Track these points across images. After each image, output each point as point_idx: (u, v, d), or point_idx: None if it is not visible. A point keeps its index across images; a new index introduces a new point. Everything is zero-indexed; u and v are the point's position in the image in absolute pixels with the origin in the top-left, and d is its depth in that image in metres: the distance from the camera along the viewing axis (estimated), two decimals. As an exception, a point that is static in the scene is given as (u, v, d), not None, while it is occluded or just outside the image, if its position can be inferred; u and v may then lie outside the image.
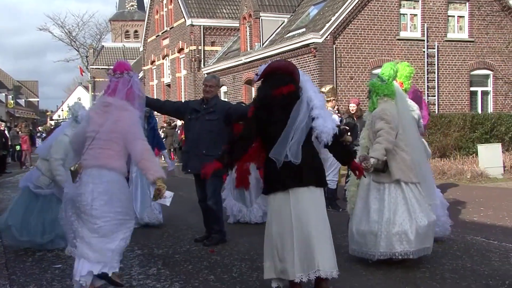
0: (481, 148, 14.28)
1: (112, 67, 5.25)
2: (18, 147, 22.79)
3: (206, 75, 28.24)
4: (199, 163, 5.94)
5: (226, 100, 26.32)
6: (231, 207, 8.40)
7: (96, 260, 4.59)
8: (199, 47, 29.02)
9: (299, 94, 4.65)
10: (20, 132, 23.61)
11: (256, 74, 4.80)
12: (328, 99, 8.84)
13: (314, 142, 4.73)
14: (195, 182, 7.10)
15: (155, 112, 8.33)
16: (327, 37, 19.21)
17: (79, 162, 4.99)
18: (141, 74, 36.91)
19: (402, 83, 6.34)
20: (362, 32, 19.78)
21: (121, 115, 4.84)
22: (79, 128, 5.35)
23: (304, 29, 20.99)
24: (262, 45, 23.83)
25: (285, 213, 4.52)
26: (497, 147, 14.51)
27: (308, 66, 19.72)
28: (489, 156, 14.12)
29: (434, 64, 20.50)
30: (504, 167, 14.46)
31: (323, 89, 8.93)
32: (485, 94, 21.70)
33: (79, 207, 4.66)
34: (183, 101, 7.08)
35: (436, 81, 20.63)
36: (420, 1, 20.49)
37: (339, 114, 9.79)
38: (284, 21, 24.40)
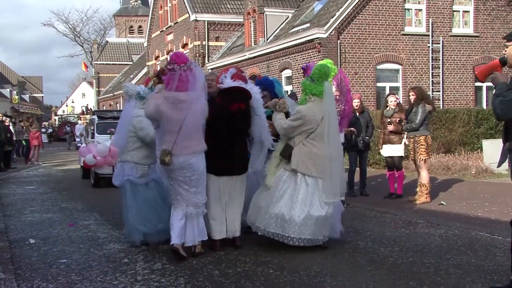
0: (486, 144, 14.24)
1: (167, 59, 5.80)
2: (24, 142, 22.82)
3: (210, 70, 28.25)
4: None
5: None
6: None
7: None
8: (203, 43, 29.01)
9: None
10: (24, 127, 23.66)
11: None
12: None
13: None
14: None
15: None
16: (331, 32, 19.17)
17: (170, 153, 5.64)
18: (145, 70, 36.98)
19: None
20: (367, 27, 19.73)
21: (198, 107, 5.68)
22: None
23: (308, 24, 20.95)
24: (267, 40, 23.79)
25: None
26: (501, 143, 14.43)
27: (312, 61, 19.66)
28: (494, 151, 14.03)
29: (439, 59, 20.44)
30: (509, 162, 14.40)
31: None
32: (490, 89, 21.59)
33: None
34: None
35: (441, 76, 20.58)
36: (425, -4, 20.44)
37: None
38: (288, 16, 24.36)
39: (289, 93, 13.55)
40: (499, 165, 4.77)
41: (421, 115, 9.28)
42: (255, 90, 6.43)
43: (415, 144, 9.46)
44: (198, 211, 5.93)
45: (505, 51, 4.52)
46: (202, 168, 5.88)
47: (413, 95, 9.62)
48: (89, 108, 55.60)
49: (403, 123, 9.74)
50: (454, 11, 21.01)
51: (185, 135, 5.64)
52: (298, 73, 20.53)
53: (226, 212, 6.35)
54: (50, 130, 46.07)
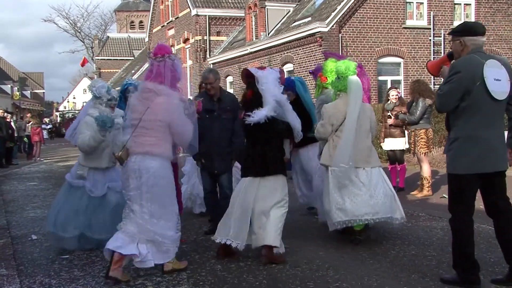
0: (488, 137, 14.21)
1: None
2: (26, 139, 22.85)
3: (212, 65, 28.22)
4: (222, 163, 6.73)
5: (231, 91, 26.32)
6: None
7: None
8: (205, 37, 28.96)
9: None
10: (27, 124, 23.66)
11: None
12: None
13: None
14: (203, 176, 7.00)
15: None
16: (333, 26, 19.14)
17: (126, 148, 5.13)
18: (146, 65, 36.88)
19: (326, 78, 7.12)
20: (368, 21, 19.68)
21: (162, 101, 5.02)
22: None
23: (309, 18, 20.91)
24: (268, 34, 23.76)
25: None
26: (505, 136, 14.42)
27: (314, 55, 19.65)
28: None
29: (441, 53, 20.38)
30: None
31: None
32: (492, 82, 21.60)
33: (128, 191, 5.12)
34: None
35: (442, 69, 20.52)
36: (426, -11, 20.38)
37: None
38: (289, 10, 24.31)
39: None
40: (446, 152, 4.92)
41: (420, 109, 9.28)
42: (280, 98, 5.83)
43: (415, 138, 9.46)
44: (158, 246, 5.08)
45: (451, 46, 4.72)
46: (159, 176, 5.02)
47: (412, 89, 9.67)
48: None
49: (400, 116, 9.74)
50: (455, 4, 20.96)
51: (143, 128, 5.03)
52: (300, 67, 20.51)
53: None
54: (49, 126, 46.03)
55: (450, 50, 4.81)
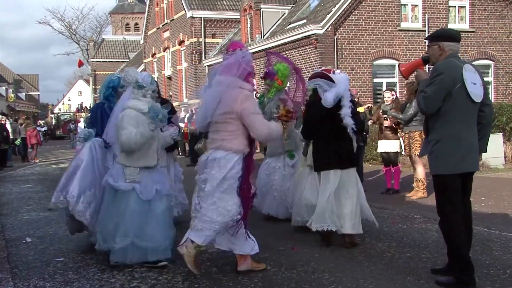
0: (482, 139, 14.24)
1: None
2: (18, 141, 22.78)
3: (207, 67, 28.21)
4: None
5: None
6: None
7: None
8: (200, 39, 28.95)
9: None
10: (21, 126, 23.60)
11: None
12: None
13: None
14: None
15: None
16: (328, 28, 19.17)
17: (205, 141, 5.25)
18: (142, 67, 36.88)
19: (282, 82, 7.42)
20: (363, 23, 19.72)
21: (233, 92, 4.94)
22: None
23: (305, 21, 20.93)
24: (263, 37, 23.76)
25: None
26: (498, 138, 14.47)
27: (309, 57, 19.67)
28: (490, 146, 13.91)
29: (435, 55, 20.43)
30: (505, 157, 14.45)
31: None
32: (486, 84, 21.63)
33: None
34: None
35: (437, 71, 20.58)
36: (421, -9, 20.43)
37: None
38: (285, 13, 24.33)
39: None
40: (421, 155, 5.32)
41: (413, 109, 9.29)
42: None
43: (410, 140, 9.47)
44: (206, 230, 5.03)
45: (428, 51, 4.88)
46: (227, 169, 4.98)
47: (406, 91, 9.70)
48: (83, 106, 55.46)
49: (389, 112, 9.78)
50: (450, 6, 21.03)
51: (216, 123, 5.04)
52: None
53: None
54: (44, 128, 45.88)
55: (426, 54, 4.97)
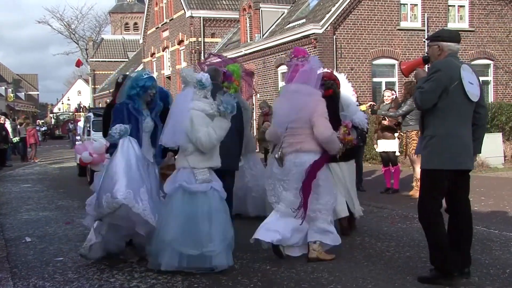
0: (482, 138, 14.25)
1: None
2: (15, 140, 22.77)
3: (206, 67, 28.13)
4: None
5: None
6: None
7: None
8: (199, 39, 28.94)
9: None
10: (19, 126, 23.60)
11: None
12: None
13: None
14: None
15: None
16: (327, 27, 19.15)
17: (282, 149, 5.62)
18: (141, 67, 36.89)
19: (238, 82, 7.46)
20: (363, 23, 19.71)
21: (306, 99, 5.49)
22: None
23: (304, 20, 20.93)
24: (262, 36, 23.76)
25: None
26: (497, 137, 14.49)
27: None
28: (490, 145, 14.07)
29: (435, 54, 20.42)
30: (505, 156, 14.46)
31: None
32: (485, 83, 21.62)
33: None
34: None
35: (436, 71, 20.57)
36: (420, -9, 20.43)
37: None
38: (284, 12, 24.32)
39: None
40: (417, 152, 5.58)
41: (407, 107, 9.30)
42: None
43: (407, 139, 9.47)
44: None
45: (428, 51, 5.01)
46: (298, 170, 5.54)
47: (403, 90, 9.72)
48: (81, 106, 55.40)
49: (375, 107, 9.89)
50: (449, 5, 21.02)
51: (292, 128, 5.60)
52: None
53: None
54: (44, 128, 45.84)
55: (426, 54, 5.09)
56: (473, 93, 4.71)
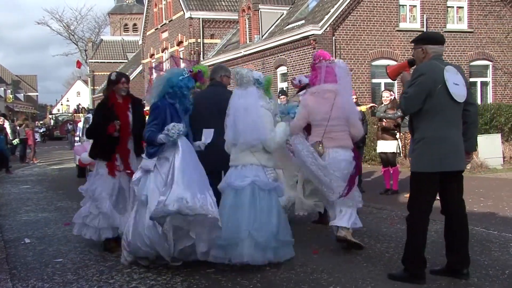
0: (481, 139, 14.25)
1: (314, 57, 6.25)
2: (15, 142, 22.77)
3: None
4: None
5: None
6: None
7: None
8: (198, 40, 28.95)
9: None
10: (19, 127, 23.59)
11: None
12: None
13: None
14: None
15: None
16: (326, 29, 19.17)
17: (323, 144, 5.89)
18: (140, 68, 36.90)
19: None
20: (362, 24, 19.73)
21: (342, 99, 5.92)
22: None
23: (303, 21, 20.94)
24: (262, 37, 23.77)
25: None
26: (496, 138, 14.50)
27: (307, 58, 19.67)
28: (489, 146, 14.12)
29: (434, 55, 20.43)
30: (504, 157, 14.47)
31: None
32: (484, 84, 21.68)
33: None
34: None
35: (435, 72, 20.59)
36: (419, -8, 20.45)
37: None
38: (283, 13, 24.34)
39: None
40: (409, 155, 5.65)
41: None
42: None
43: (405, 140, 9.50)
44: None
45: (413, 53, 5.02)
46: (352, 164, 6.00)
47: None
48: (81, 107, 55.30)
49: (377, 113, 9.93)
50: (448, 7, 21.04)
51: (331, 126, 5.93)
52: (293, 70, 20.53)
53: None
54: (42, 129, 45.75)
55: (411, 57, 5.10)
56: (459, 94, 4.75)
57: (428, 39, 4.94)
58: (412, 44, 4.99)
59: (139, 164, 5.79)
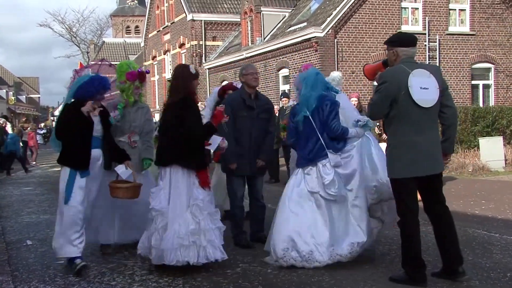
0: (483, 142, 14.27)
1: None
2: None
3: (207, 70, 28.20)
4: (254, 165, 6.42)
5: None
6: None
7: None
8: (200, 42, 28.98)
9: None
10: (23, 129, 23.62)
11: None
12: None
13: None
14: (234, 181, 6.51)
15: None
16: (328, 31, 19.18)
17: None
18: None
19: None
20: (364, 26, 19.74)
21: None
22: None
23: (305, 23, 20.95)
24: (264, 39, 23.79)
25: None
26: (498, 141, 14.49)
27: (309, 60, 19.69)
28: (491, 149, 14.11)
29: (436, 58, 20.46)
30: (506, 160, 14.46)
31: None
32: (486, 87, 21.66)
33: None
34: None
35: (437, 74, 20.58)
36: (421, -5, 20.45)
37: None
38: (285, 16, 24.36)
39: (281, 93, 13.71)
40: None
41: None
42: None
43: None
44: None
45: (386, 55, 5.04)
46: None
47: None
48: None
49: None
50: (450, 9, 21.03)
51: None
52: (295, 72, 20.53)
53: None
54: (44, 131, 45.68)
55: (386, 57, 5.11)
56: (425, 99, 4.70)
57: (399, 41, 4.93)
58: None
59: None
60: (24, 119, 26.11)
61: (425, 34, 20.28)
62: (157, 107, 32.45)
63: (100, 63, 6.67)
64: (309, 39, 19.56)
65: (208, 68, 28.27)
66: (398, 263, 5.61)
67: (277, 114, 11.48)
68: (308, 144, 5.63)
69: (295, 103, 6.24)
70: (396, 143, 4.79)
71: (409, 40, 4.93)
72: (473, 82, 21.27)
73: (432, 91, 4.74)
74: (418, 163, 4.74)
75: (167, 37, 33.13)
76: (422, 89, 4.69)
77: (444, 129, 4.94)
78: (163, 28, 33.66)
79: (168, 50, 33.08)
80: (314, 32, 19.18)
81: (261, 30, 24.03)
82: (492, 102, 21.21)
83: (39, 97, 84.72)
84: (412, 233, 4.90)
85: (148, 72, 6.61)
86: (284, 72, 21.81)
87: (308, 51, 19.82)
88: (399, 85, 4.67)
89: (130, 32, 66.17)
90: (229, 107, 6.22)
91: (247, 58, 24.13)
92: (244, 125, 6.37)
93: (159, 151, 5.56)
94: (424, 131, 4.76)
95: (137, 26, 65.49)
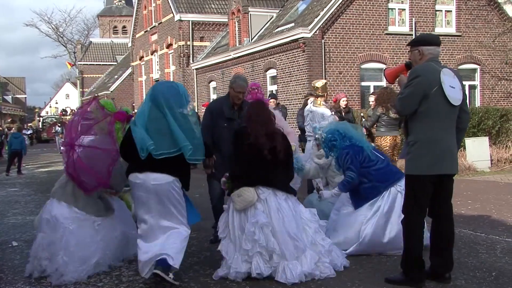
0: (469, 142, 14.37)
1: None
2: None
3: (195, 70, 28.15)
4: None
5: (214, 97, 26.27)
6: None
7: None
8: (188, 43, 28.91)
9: None
10: (7, 130, 23.44)
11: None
12: (321, 94, 8.88)
13: None
14: (213, 184, 6.59)
15: None
16: (316, 32, 19.22)
17: None
18: (129, 70, 36.76)
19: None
20: (351, 27, 19.80)
21: None
22: None
23: (293, 24, 20.98)
24: (251, 40, 23.79)
25: None
26: (484, 141, 14.61)
27: (297, 61, 19.73)
28: (477, 149, 14.22)
29: (422, 59, 20.53)
30: (491, 160, 14.57)
31: (317, 84, 8.93)
32: (472, 88, 21.81)
33: None
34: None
35: (424, 75, 20.69)
36: (408, -4, 20.56)
37: (332, 110, 9.78)
38: (273, 16, 24.38)
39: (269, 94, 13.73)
40: (401, 157, 5.60)
41: (371, 117, 9.99)
42: None
43: (380, 147, 9.64)
44: None
45: (410, 56, 5.06)
46: None
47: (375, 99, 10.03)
48: (66, 110, 54.86)
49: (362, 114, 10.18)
50: (436, 10, 21.15)
51: None
52: (283, 73, 20.58)
53: None
54: (30, 131, 45.31)
55: (409, 60, 5.10)
56: (454, 97, 4.75)
57: (424, 40, 4.98)
58: (402, 48, 5.03)
59: None
60: (9, 120, 25.87)
61: (411, 35, 20.35)
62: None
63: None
64: (296, 40, 19.59)
65: (196, 69, 28.21)
66: (385, 263, 5.65)
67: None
68: None
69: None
70: (424, 140, 4.75)
71: (433, 39, 4.98)
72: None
73: (458, 91, 4.80)
74: (444, 161, 4.76)
75: (154, 37, 33.03)
76: (451, 87, 4.74)
77: (456, 132, 4.94)
78: (150, 29, 33.55)
79: (156, 51, 32.98)
80: (301, 32, 19.21)
81: (248, 31, 24.02)
82: (478, 103, 21.37)
83: (25, 97, 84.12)
84: (417, 232, 4.87)
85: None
86: (272, 72, 21.82)
87: (296, 52, 19.85)
88: (431, 81, 4.68)
89: (117, 32, 65.91)
90: (208, 113, 6.39)
91: (234, 58, 24.12)
92: (223, 135, 6.31)
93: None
94: (449, 129, 4.81)
95: (124, 26, 65.27)
